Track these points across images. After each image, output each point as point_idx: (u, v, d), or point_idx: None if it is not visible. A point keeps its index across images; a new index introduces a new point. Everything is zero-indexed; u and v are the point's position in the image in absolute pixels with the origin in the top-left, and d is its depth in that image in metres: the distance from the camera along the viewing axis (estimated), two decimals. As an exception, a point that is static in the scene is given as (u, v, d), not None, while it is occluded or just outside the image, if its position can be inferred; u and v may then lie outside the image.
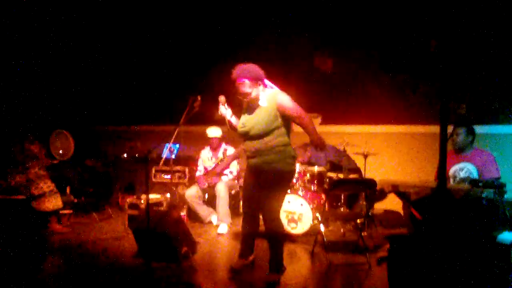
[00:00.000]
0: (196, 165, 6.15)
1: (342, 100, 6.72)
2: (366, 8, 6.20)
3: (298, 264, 4.34)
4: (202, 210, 5.76)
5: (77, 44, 7.94)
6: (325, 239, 4.55)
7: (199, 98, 4.12)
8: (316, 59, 7.04)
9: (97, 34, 7.89)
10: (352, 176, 5.71)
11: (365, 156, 5.40)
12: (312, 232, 4.97)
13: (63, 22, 7.65)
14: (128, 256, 4.45)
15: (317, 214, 5.07)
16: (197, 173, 6.06)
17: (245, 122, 3.72)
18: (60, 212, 5.57)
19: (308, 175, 5.53)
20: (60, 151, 6.25)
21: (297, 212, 5.16)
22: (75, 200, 6.22)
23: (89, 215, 6.15)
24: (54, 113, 7.34)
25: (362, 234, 4.60)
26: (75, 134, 6.45)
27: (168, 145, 5.77)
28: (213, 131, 5.90)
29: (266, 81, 3.75)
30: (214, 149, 6.00)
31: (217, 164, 5.87)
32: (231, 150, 5.96)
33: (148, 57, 7.81)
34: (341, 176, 5.59)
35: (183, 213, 5.73)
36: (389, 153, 6.10)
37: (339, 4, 6.44)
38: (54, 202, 5.33)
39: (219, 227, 5.41)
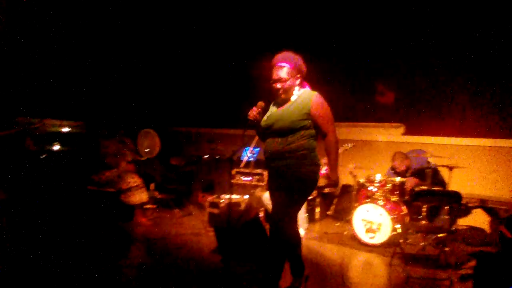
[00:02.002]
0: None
1: (428, 110, 6.50)
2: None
3: (374, 276, 4.24)
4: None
5: (164, 49, 8.36)
6: (404, 251, 4.41)
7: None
8: (378, 91, 6.94)
9: (182, 39, 8.25)
10: (435, 188, 5.48)
11: (450, 169, 5.17)
12: (391, 243, 4.85)
13: (155, 28, 8.09)
14: (207, 251, 4.60)
15: (397, 225, 4.94)
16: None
17: (270, 116, 3.39)
18: (145, 206, 5.90)
19: (389, 185, 5.39)
20: (147, 149, 6.60)
21: (375, 222, 5.05)
22: (159, 196, 6.55)
23: (171, 210, 6.42)
24: (142, 113, 7.79)
25: (444, 249, 4.41)
26: (161, 134, 6.77)
27: (248, 148, 5.91)
28: None
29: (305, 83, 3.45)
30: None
31: None
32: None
33: (233, 61, 8.02)
34: (423, 187, 5.39)
35: (261, 215, 5.82)
36: (476, 167, 5.81)
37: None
38: (139, 196, 5.64)
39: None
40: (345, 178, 6.50)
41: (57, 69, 7.33)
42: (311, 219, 5.85)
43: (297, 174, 3.19)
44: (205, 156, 7.04)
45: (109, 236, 4.99)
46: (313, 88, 3.44)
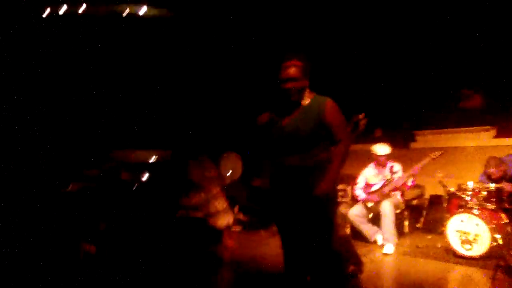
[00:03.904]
0: (355, 182, 6.06)
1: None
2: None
3: (476, 290, 3.97)
4: (367, 229, 5.65)
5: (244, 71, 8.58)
6: (509, 264, 4.08)
7: (362, 116, 3.94)
8: (463, 96, 6.59)
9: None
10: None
11: (553, 171, 4.74)
12: (491, 255, 4.51)
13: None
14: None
15: (497, 235, 4.59)
16: (357, 189, 5.95)
17: (279, 126, 3.00)
18: (231, 229, 6.01)
19: (484, 192, 5.05)
20: (230, 172, 6.76)
21: (472, 232, 4.74)
22: (244, 218, 6.65)
23: (256, 232, 6.49)
24: (223, 136, 8.01)
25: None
26: (243, 155, 6.90)
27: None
28: (382, 149, 5.79)
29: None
30: (381, 166, 5.86)
31: (384, 184, 5.70)
32: (397, 167, 5.77)
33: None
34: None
35: (347, 232, 5.70)
36: None
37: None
38: (226, 220, 5.77)
39: (385, 247, 5.24)
40: (434, 188, 6.21)
41: (141, 101, 7.80)
42: (400, 233, 5.62)
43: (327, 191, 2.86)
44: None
45: (199, 260, 5.14)
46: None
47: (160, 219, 5.35)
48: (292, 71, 2.93)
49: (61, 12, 6.45)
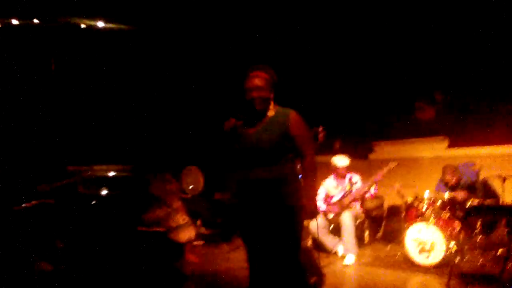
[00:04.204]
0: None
1: (471, 120, 6.32)
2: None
3: (433, 297, 4.07)
4: (328, 240, 5.71)
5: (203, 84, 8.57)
6: (461, 270, 4.22)
7: (321, 129, 3.99)
8: (417, 108, 6.84)
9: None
10: (488, 201, 5.24)
11: (503, 179, 4.94)
12: (446, 263, 4.64)
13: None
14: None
15: (451, 243, 4.74)
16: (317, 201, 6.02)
17: (244, 136, 2.98)
18: (193, 243, 5.94)
19: (439, 201, 5.21)
20: (191, 186, 6.71)
21: (428, 241, 4.87)
22: (206, 232, 6.59)
23: (219, 245, 6.44)
24: (184, 150, 7.95)
25: (507, 266, 4.17)
26: (204, 169, 6.86)
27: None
28: (342, 161, 5.88)
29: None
30: (341, 177, 5.95)
31: (344, 195, 5.79)
32: (356, 178, 5.88)
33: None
34: (475, 201, 5.17)
35: (309, 244, 5.74)
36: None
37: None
38: (188, 234, 5.70)
39: (346, 258, 5.31)
40: (392, 199, 6.36)
41: (99, 115, 7.66)
42: (360, 243, 5.72)
43: (294, 204, 2.87)
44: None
45: (161, 275, 5.05)
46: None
47: (120, 234, 5.23)
48: (257, 81, 2.95)
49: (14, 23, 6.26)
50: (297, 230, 2.92)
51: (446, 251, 4.76)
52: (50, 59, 6.99)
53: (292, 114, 2.95)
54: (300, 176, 2.99)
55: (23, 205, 5.14)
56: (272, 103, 3.02)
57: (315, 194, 2.99)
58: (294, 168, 2.97)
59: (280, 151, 2.89)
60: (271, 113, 2.98)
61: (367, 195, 5.84)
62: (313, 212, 2.94)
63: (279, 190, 2.85)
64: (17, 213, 5.10)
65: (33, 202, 5.19)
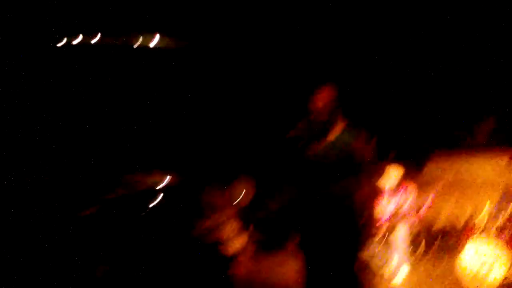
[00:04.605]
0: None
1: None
2: None
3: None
4: (381, 255, 5.55)
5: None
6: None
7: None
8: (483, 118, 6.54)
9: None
10: None
11: None
12: (509, 284, 4.40)
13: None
14: None
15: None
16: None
17: (313, 150, 3.11)
18: (245, 251, 5.96)
19: (501, 216, 4.95)
20: (242, 195, 6.72)
21: (489, 259, 4.63)
22: (260, 237, 6.60)
23: (270, 255, 6.42)
24: (235, 159, 8.03)
25: None
26: (256, 178, 6.85)
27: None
28: (396, 171, 5.71)
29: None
30: (394, 190, 5.77)
31: (397, 208, 5.63)
32: (409, 191, 5.70)
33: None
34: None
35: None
36: None
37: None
38: (238, 245, 5.73)
39: (397, 274, 5.16)
40: (450, 212, 6.11)
41: (152, 125, 7.92)
42: (413, 258, 5.54)
43: (350, 216, 3.04)
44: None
45: (211, 285, 5.12)
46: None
47: (170, 244, 5.35)
48: (320, 102, 3.04)
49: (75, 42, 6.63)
50: (357, 242, 3.07)
51: (509, 270, 4.51)
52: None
53: (359, 135, 3.08)
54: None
55: (86, 212, 5.41)
56: (340, 118, 3.09)
57: (372, 215, 3.16)
58: (356, 189, 3.02)
59: (344, 169, 2.98)
60: (337, 131, 3.06)
61: (423, 208, 5.64)
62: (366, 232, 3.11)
63: (340, 207, 2.97)
64: (81, 219, 5.38)
65: (95, 208, 5.45)
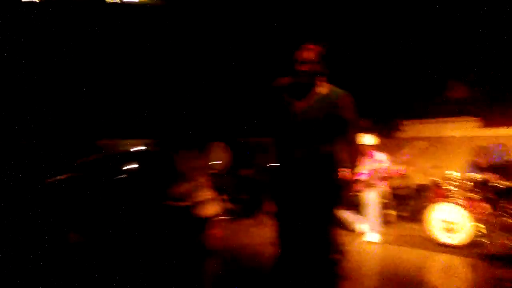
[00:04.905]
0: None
1: (504, 100, 6.13)
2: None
3: (457, 278, 4.02)
4: (353, 218, 5.69)
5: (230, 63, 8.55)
6: (489, 252, 4.14)
7: None
8: (449, 87, 6.64)
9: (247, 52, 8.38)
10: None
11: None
12: (473, 244, 4.58)
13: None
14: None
15: (480, 225, 4.65)
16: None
17: (296, 108, 2.90)
18: (218, 218, 6.02)
19: (469, 182, 5.10)
20: (218, 162, 6.75)
21: (455, 221, 4.80)
22: (231, 207, 6.66)
23: (243, 221, 6.50)
24: (211, 126, 8.01)
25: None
26: (231, 145, 6.89)
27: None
28: (369, 139, 5.81)
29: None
30: (368, 156, 5.89)
31: (370, 174, 5.75)
32: (383, 156, 5.82)
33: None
34: (506, 183, 5.03)
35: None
36: None
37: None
38: (213, 209, 5.78)
39: (370, 236, 5.29)
40: (420, 178, 6.27)
41: (127, 92, 7.77)
42: (385, 222, 5.67)
43: (329, 180, 2.89)
44: (269, 164, 7.06)
45: (186, 249, 5.15)
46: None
47: (146, 208, 5.34)
48: (306, 53, 2.87)
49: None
50: (332, 208, 2.97)
51: (474, 232, 4.69)
52: (79, 35, 7.08)
53: (345, 96, 2.90)
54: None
55: (55, 178, 5.30)
56: (323, 79, 2.93)
57: (355, 173, 2.96)
58: (338, 150, 2.91)
59: (327, 132, 2.85)
60: (322, 90, 2.91)
61: (394, 174, 5.78)
62: (346, 181, 2.93)
63: (321, 169, 2.85)
64: (50, 185, 5.27)
65: (64, 175, 5.34)
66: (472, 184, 5.10)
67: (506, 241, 4.71)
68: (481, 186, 5.08)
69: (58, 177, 5.33)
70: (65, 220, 5.05)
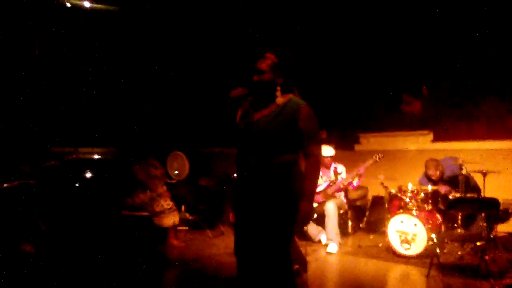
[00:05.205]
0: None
1: (456, 115, 6.42)
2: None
3: (413, 287, 4.15)
4: (311, 229, 5.77)
5: (186, 72, 8.52)
6: (441, 262, 4.31)
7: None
8: (404, 101, 6.92)
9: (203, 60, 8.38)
10: (469, 195, 5.35)
11: (484, 174, 5.03)
12: (427, 254, 4.74)
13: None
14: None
15: (432, 235, 4.84)
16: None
17: (254, 119, 2.82)
18: (177, 228, 5.95)
19: (422, 193, 5.30)
20: (176, 172, 6.68)
21: (410, 232, 4.96)
22: (190, 217, 6.61)
23: (203, 231, 6.44)
24: (169, 136, 7.93)
25: (485, 257, 4.28)
26: (189, 155, 6.84)
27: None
28: (327, 151, 5.91)
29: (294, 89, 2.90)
30: (326, 167, 6.00)
31: (329, 185, 5.86)
32: (341, 168, 5.96)
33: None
34: (457, 195, 5.26)
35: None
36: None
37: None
38: (172, 219, 5.70)
39: (328, 246, 5.38)
40: (376, 190, 6.44)
41: (85, 99, 7.58)
42: (343, 233, 5.80)
43: (287, 192, 2.74)
44: (234, 175, 7.06)
45: (143, 259, 5.06)
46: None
47: (104, 218, 5.21)
48: (261, 64, 2.78)
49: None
50: (291, 223, 2.79)
51: (427, 242, 4.86)
52: (34, 39, 6.84)
53: (304, 107, 2.76)
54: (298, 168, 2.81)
55: (4, 185, 5.07)
56: (279, 89, 2.81)
57: (312, 197, 2.79)
58: (296, 164, 2.79)
59: (284, 143, 2.74)
60: (280, 100, 2.79)
61: (351, 185, 5.93)
62: (307, 217, 2.75)
63: (279, 181, 2.73)
64: (6, 191, 5.04)
65: (15, 182, 5.12)
66: (425, 195, 5.30)
67: (456, 250, 4.92)
68: (433, 198, 5.30)
69: (8, 184, 5.10)
70: (16, 230, 4.84)
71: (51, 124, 7.01)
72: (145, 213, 5.60)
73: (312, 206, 2.79)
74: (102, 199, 5.41)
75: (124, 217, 5.44)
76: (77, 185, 5.48)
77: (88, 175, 5.63)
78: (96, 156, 6.46)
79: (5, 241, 4.69)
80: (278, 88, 2.81)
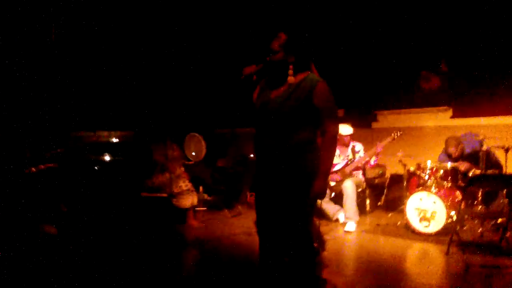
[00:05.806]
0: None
1: (476, 90, 6.28)
2: None
3: (431, 265, 4.13)
4: (329, 208, 5.78)
5: (203, 54, 8.50)
6: (461, 239, 4.28)
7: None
8: (422, 78, 6.76)
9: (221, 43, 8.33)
10: (490, 171, 5.27)
11: (507, 150, 4.94)
12: (446, 231, 4.71)
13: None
14: (259, 251, 4.64)
15: (452, 212, 4.79)
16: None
17: (269, 98, 2.83)
18: (196, 209, 6.02)
19: (441, 171, 5.23)
20: (194, 153, 6.72)
21: (429, 210, 4.93)
22: (208, 198, 6.67)
23: (221, 211, 6.52)
24: (187, 118, 7.96)
25: (506, 234, 4.23)
26: (206, 137, 6.86)
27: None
28: (344, 129, 5.87)
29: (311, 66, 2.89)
30: (344, 146, 5.96)
31: (347, 164, 5.83)
32: (359, 147, 5.91)
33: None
34: (477, 171, 5.19)
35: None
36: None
37: None
38: (191, 200, 5.77)
39: (347, 225, 5.38)
40: (394, 167, 6.39)
41: (103, 83, 7.63)
42: (361, 211, 5.78)
43: (304, 171, 2.73)
44: (251, 156, 7.09)
45: (163, 239, 5.14)
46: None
47: (123, 200, 5.29)
48: (274, 43, 2.78)
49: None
50: (309, 201, 2.80)
51: (447, 220, 4.83)
52: (50, 25, 6.90)
53: (320, 84, 2.72)
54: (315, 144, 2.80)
55: (30, 169, 5.18)
56: (291, 68, 2.79)
57: (327, 175, 2.77)
58: (313, 142, 2.77)
59: (300, 121, 2.72)
60: (292, 79, 2.78)
61: (369, 164, 5.88)
62: (322, 193, 2.75)
63: (295, 159, 2.73)
64: (26, 176, 5.15)
65: (41, 166, 5.23)
66: (445, 172, 5.24)
67: (476, 227, 4.88)
68: (453, 175, 5.23)
69: (33, 168, 5.21)
70: (38, 212, 4.96)
71: (70, 108, 7.09)
72: (164, 195, 5.66)
73: (325, 184, 2.77)
74: (122, 182, 5.47)
75: (144, 198, 5.51)
76: (96, 168, 5.55)
77: (107, 158, 5.68)
78: (114, 140, 6.53)
79: (28, 222, 4.81)
80: (291, 66, 2.79)
